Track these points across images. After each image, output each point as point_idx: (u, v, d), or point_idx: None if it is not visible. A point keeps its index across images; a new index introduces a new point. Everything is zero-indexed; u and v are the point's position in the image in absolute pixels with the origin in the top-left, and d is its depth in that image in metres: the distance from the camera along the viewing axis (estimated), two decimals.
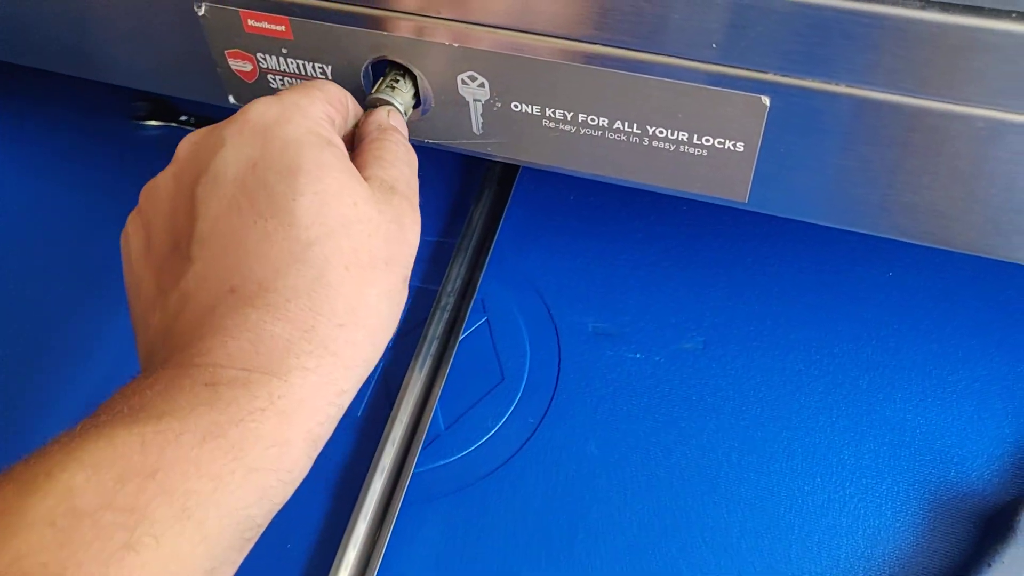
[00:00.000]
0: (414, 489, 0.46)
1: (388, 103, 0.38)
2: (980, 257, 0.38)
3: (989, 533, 0.41)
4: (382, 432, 0.47)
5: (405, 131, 0.38)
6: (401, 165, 0.34)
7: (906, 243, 0.39)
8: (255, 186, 0.30)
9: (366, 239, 0.31)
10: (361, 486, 0.45)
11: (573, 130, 0.39)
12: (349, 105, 0.37)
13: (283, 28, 0.40)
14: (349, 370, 0.30)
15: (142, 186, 0.34)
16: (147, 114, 0.62)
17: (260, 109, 0.32)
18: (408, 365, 0.49)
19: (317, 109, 0.33)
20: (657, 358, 0.49)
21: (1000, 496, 0.43)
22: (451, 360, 0.49)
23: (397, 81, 0.39)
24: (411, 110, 0.40)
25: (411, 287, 0.53)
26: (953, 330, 0.49)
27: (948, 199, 0.35)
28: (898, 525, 0.43)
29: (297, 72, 0.41)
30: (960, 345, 0.48)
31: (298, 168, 0.30)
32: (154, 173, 0.34)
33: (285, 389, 0.28)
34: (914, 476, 0.44)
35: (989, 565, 0.39)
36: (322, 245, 0.30)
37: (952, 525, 0.43)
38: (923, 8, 0.30)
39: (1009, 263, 0.38)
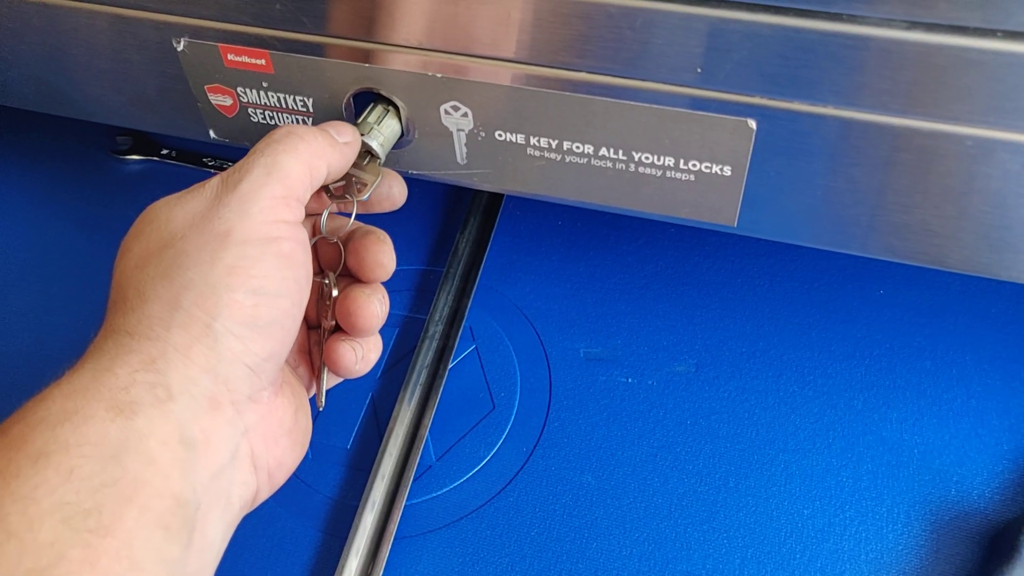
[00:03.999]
0: (406, 523, 0.45)
1: (367, 146, 0.38)
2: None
3: (993, 553, 0.41)
4: (372, 464, 0.46)
5: (352, 148, 0.37)
6: None
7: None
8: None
9: None
10: (352, 520, 0.44)
11: (558, 158, 0.38)
12: (323, 168, 0.36)
13: (263, 62, 0.39)
14: None
15: (124, 220, 0.35)
16: (129, 148, 0.61)
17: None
18: (397, 395, 0.49)
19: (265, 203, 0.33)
20: (650, 382, 0.48)
21: (1002, 514, 0.43)
22: (441, 389, 0.49)
23: (382, 116, 0.39)
24: (395, 141, 0.40)
25: (399, 316, 0.52)
26: (947, 347, 0.48)
27: (939, 218, 0.35)
28: (900, 548, 0.42)
29: (278, 106, 0.41)
30: (954, 362, 0.48)
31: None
32: (136, 207, 0.34)
33: None
34: (914, 497, 0.44)
35: None
36: None
37: (955, 546, 0.42)
38: (908, 29, 0.30)
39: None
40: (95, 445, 0.27)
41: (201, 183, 0.33)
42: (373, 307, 0.37)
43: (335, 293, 0.38)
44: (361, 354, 0.38)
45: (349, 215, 0.39)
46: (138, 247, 0.32)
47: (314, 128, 0.36)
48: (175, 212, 0.33)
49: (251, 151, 0.34)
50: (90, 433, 0.27)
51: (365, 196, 0.38)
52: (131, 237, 0.33)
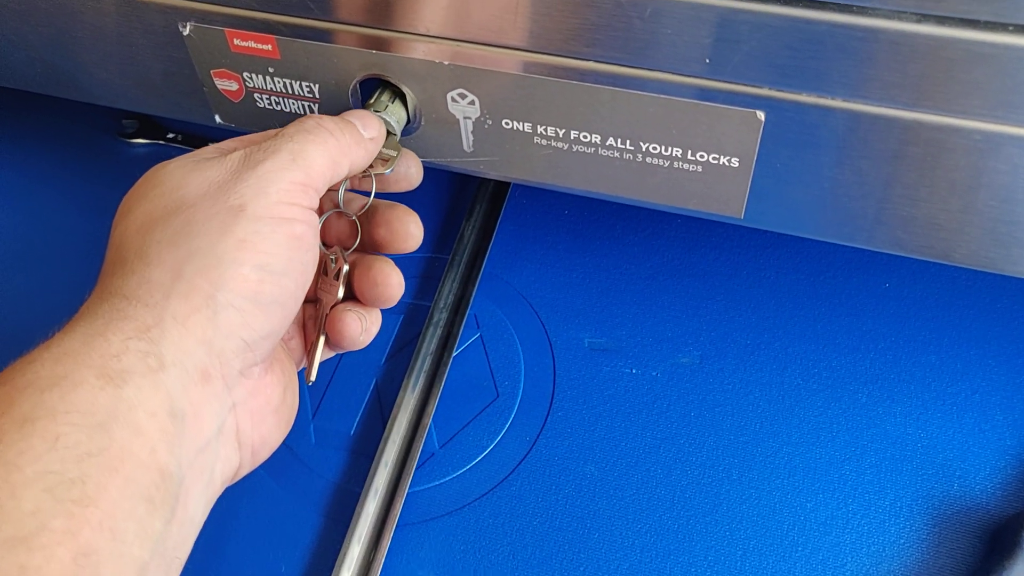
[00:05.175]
0: (409, 510, 0.45)
1: (385, 123, 0.38)
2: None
3: (995, 548, 0.41)
4: (375, 451, 0.46)
5: (376, 143, 0.38)
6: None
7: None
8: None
9: None
10: (354, 507, 0.45)
11: (565, 147, 0.38)
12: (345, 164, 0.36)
13: (269, 47, 0.39)
14: None
15: None
16: (135, 132, 0.61)
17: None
18: (401, 382, 0.49)
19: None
20: (654, 373, 0.48)
21: (1004, 509, 0.43)
22: (445, 377, 0.49)
23: (393, 97, 0.39)
24: (403, 125, 0.40)
25: (403, 303, 0.52)
26: (952, 341, 0.48)
27: (946, 212, 0.35)
28: (902, 541, 0.42)
29: (284, 91, 0.41)
30: (959, 356, 0.48)
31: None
32: None
33: None
34: (917, 491, 0.44)
35: None
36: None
37: (957, 540, 0.42)
38: (919, 22, 0.30)
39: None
40: (83, 413, 0.27)
41: (220, 152, 0.33)
42: (399, 276, 0.38)
43: (345, 267, 0.38)
44: (365, 325, 0.38)
45: (363, 193, 0.39)
46: (142, 208, 0.32)
47: (342, 122, 0.36)
48: (189, 178, 0.32)
49: (278, 133, 0.34)
50: (78, 400, 0.27)
51: (389, 170, 0.38)
52: (134, 197, 0.33)
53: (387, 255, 0.39)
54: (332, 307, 0.38)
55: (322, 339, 0.38)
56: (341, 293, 0.38)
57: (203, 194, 0.31)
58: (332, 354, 0.40)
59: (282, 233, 0.31)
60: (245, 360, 0.31)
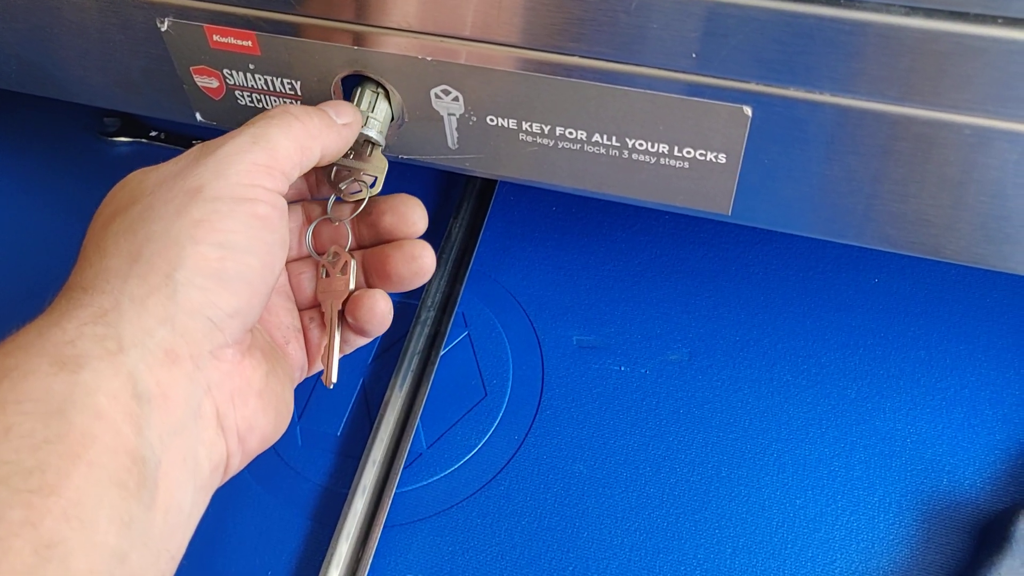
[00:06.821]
0: (396, 510, 0.45)
1: (365, 136, 0.38)
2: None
3: (984, 543, 0.41)
4: (363, 451, 0.46)
5: (351, 129, 0.37)
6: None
7: None
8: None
9: None
10: (341, 508, 0.44)
11: (551, 144, 0.38)
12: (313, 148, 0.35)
13: (250, 43, 0.39)
14: None
15: None
16: (117, 130, 0.61)
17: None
18: (388, 382, 0.48)
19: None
20: (643, 370, 0.48)
21: (994, 504, 0.43)
22: (432, 376, 0.48)
23: (374, 101, 0.38)
24: (387, 126, 0.39)
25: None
26: (941, 336, 0.48)
27: (936, 208, 0.35)
28: (892, 538, 0.42)
29: (265, 88, 0.40)
30: (948, 352, 0.47)
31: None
32: None
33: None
34: (906, 486, 0.43)
35: None
36: None
37: (946, 536, 0.42)
38: (908, 14, 0.29)
39: None
40: (36, 401, 0.26)
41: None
42: (430, 249, 0.38)
43: (352, 260, 0.38)
44: (389, 307, 0.37)
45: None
46: (108, 210, 0.32)
47: (311, 108, 0.35)
48: (149, 175, 0.32)
49: (243, 126, 0.33)
50: (30, 389, 0.26)
51: (378, 189, 0.38)
52: (104, 203, 0.32)
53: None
54: (347, 298, 0.37)
55: (338, 336, 0.37)
56: (353, 284, 0.37)
57: (160, 183, 0.31)
58: (348, 351, 0.39)
59: (243, 212, 0.31)
60: (213, 340, 0.30)
